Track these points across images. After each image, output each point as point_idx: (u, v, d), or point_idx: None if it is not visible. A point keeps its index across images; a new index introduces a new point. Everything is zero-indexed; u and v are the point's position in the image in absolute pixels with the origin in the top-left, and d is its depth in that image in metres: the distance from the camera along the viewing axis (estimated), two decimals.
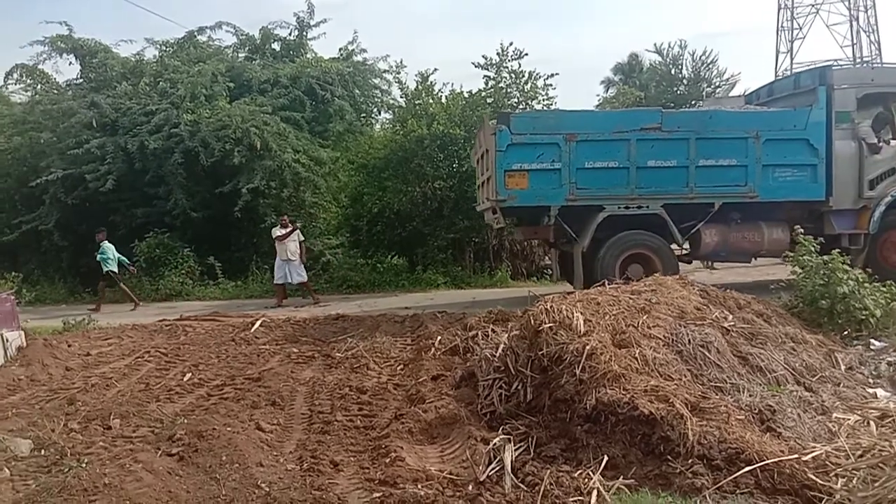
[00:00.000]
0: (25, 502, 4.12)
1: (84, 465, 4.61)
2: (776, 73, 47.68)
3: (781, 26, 50.43)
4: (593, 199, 10.56)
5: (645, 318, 5.59)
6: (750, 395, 5.03)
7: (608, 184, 10.52)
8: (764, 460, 4.01)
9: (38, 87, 20.19)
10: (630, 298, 5.97)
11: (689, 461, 4.13)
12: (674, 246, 11.20)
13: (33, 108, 19.11)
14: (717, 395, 4.96)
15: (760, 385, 5.31)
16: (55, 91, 20.07)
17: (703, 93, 35.09)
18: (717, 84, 36.37)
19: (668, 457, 4.21)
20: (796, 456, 4.11)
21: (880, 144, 10.93)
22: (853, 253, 10.37)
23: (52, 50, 19.25)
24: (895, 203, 10.95)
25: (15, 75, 19.87)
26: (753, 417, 4.76)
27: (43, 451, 5.09)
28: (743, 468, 3.99)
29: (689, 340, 5.45)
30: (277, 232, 14.28)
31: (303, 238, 14.64)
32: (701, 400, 4.70)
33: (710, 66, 36.98)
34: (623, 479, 4.10)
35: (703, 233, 10.84)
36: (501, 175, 10.32)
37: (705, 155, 10.49)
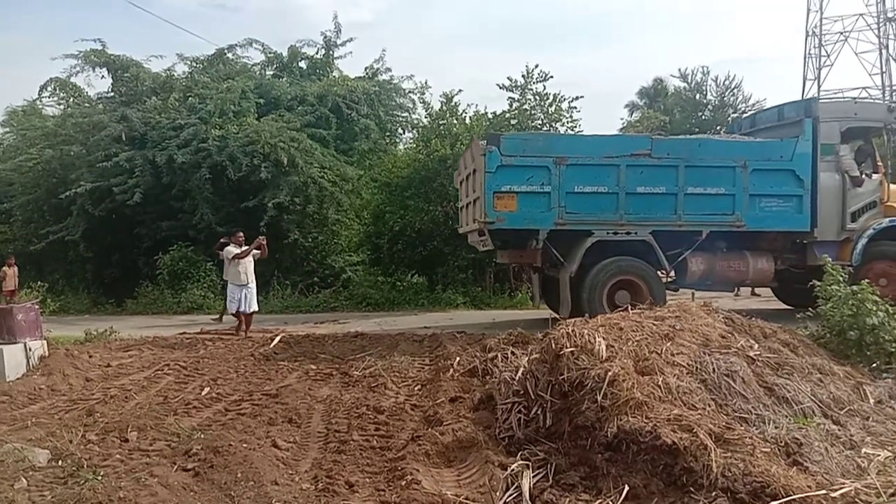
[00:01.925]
0: None
1: (100, 478, 4.61)
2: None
3: (809, 53, 50.04)
4: (582, 223, 10.47)
5: (668, 344, 5.48)
6: (776, 427, 4.89)
7: (597, 209, 10.44)
8: (790, 495, 3.88)
9: (71, 100, 20.63)
10: (654, 324, 5.86)
11: (713, 494, 4.01)
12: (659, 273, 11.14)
13: (65, 121, 19.52)
14: (741, 426, 4.82)
15: (787, 417, 5.16)
16: (86, 104, 20.48)
17: (729, 118, 34.94)
18: (743, 110, 36.22)
19: (691, 489, 4.09)
20: (824, 492, 3.97)
21: (862, 177, 11.11)
22: None
23: (85, 63, 19.69)
24: (876, 236, 11.09)
25: (49, 89, 20.35)
26: (779, 450, 4.61)
27: (60, 462, 5.09)
28: (768, 503, 3.87)
29: (714, 369, 5.32)
30: (234, 250, 12.13)
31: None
32: (725, 431, 4.57)
33: (735, 91, 36.87)
34: None
35: (689, 261, 10.81)
36: (490, 197, 10.19)
37: (693, 183, 10.47)
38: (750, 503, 3.94)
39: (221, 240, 13.34)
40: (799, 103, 12.00)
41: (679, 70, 38.96)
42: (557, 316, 11.78)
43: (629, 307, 6.55)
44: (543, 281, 12.25)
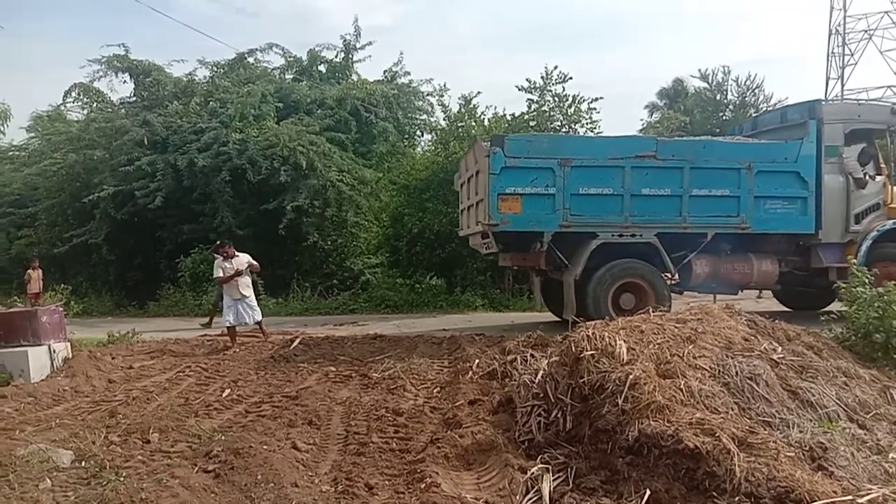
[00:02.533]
0: None
1: (122, 479, 4.65)
2: (826, 98, 46.61)
3: (832, 52, 49.36)
4: (587, 225, 10.35)
5: (690, 347, 5.42)
6: (800, 432, 4.82)
7: (602, 211, 10.33)
8: (815, 501, 3.82)
9: (94, 105, 20.90)
10: (675, 327, 5.80)
11: (736, 499, 3.96)
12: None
13: (88, 125, 19.80)
14: (765, 430, 4.76)
15: (811, 421, 5.09)
16: (109, 109, 20.75)
17: (750, 117, 34.62)
18: (765, 109, 35.84)
19: (714, 493, 4.05)
20: (850, 497, 3.90)
21: (866, 180, 11.10)
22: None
23: (108, 68, 19.94)
24: (879, 238, 11.07)
25: (73, 94, 20.64)
26: (804, 455, 4.54)
27: (83, 463, 5.15)
28: None
29: (737, 372, 5.26)
30: (221, 267, 11.14)
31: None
32: (748, 435, 4.51)
33: (756, 91, 36.50)
34: None
35: (693, 263, 10.72)
36: (494, 198, 10.07)
37: (698, 184, 10.39)
38: None
39: (211, 251, 12.82)
40: (803, 105, 11.92)
41: (699, 70, 38.67)
42: (558, 319, 11.73)
43: (647, 310, 6.47)
44: (545, 284, 12.14)
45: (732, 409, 4.93)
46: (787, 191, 10.70)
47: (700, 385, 4.96)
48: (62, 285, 16.41)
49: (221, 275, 11.09)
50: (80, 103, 21.25)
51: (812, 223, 10.83)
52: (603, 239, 10.34)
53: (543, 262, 10.92)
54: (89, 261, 19.32)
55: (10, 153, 24.07)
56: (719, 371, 5.29)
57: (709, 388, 5.00)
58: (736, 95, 36.90)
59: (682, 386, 4.87)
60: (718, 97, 37.29)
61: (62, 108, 22.19)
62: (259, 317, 11.40)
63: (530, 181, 10.14)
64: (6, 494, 4.51)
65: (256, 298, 17.02)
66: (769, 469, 4.10)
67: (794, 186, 10.72)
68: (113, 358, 9.66)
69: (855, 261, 10.61)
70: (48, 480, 4.72)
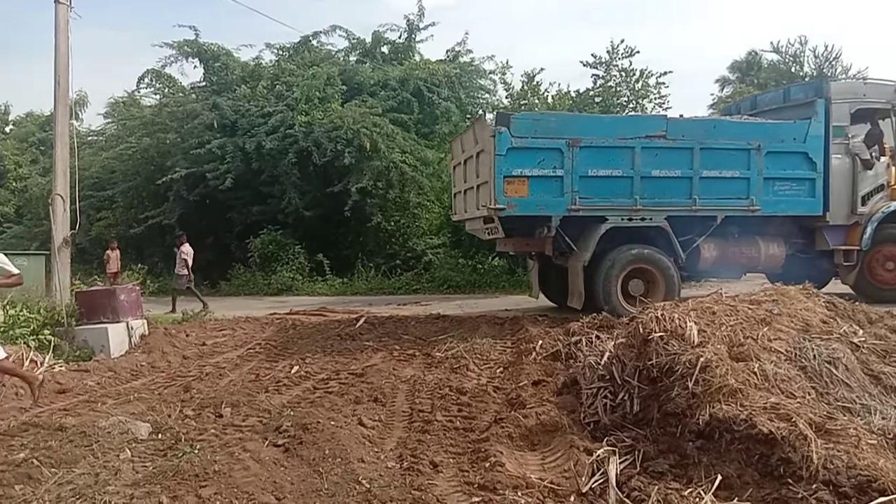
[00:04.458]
0: (143, 483, 4.35)
1: (196, 451, 4.82)
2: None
3: None
4: (596, 209, 9.88)
5: (765, 329, 5.23)
6: (883, 418, 4.60)
7: (611, 193, 9.87)
8: None
9: (166, 90, 21.57)
10: (749, 308, 5.60)
11: (813, 486, 3.80)
12: None
13: (161, 110, 20.47)
14: (845, 416, 4.56)
15: (895, 407, 4.85)
16: (180, 94, 21.38)
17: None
18: (844, 80, 34.06)
19: (789, 480, 3.89)
20: None
21: (872, 161, 10.76)
22: (846, 269, 10.51)
23: (179, 54, 20.53)
24: (885, 219, 10.73)
25: (146, 80, 21.36)
26: (887, 442, 4.33)
27: (160, 435, 5.36)
28: (876, 498, 3.63)
29: (815, 356, 5.05)
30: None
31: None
32: (827, 421, 4.33)
33: (834, 62, 34.68)
34: (738, 500, 3.84)
35: (701, 247, 10.30)
36: (501, 181, 9.49)
37: (709, 166, 9.94)
38: (855, 498, 3.71)
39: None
40: (808, 84, 11.66)
41: (771, 43, 36.95)
42: (556, 306, 11.37)
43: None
44: (542, 269, 11.68)
45: (809, 394, 4.74)
46: (796, 172, 10.32)
47: (775, 368, 4.78)
48: (139, 265, 17.10)
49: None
50: (152, 89, 22.01)
51: (820, 205, 10.48)
52: (612, 223, 9.90)
53: (549, 248, 10.44)
54: (164, 241, 20.04)
55: (89, 138, 25.11)
56: (796, 354, 5.09)
57: (784, 371, 4.81)
58: (813, 67, 35.13)
59: (755, 369, 4.71)
60: (794, 69, 35.58)
61: (136, 93, 23.00)
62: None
63: (538, 162, 9.62)
64: (91, 462, 4.74)
65: (322, 278, 17.50)
66: (849, 457, 3.92)
67: (803, 167, 10.34)
68: (187, 335, 10.03)
69: (860, 244, 10.61)
70: (128, 451, 4.93)
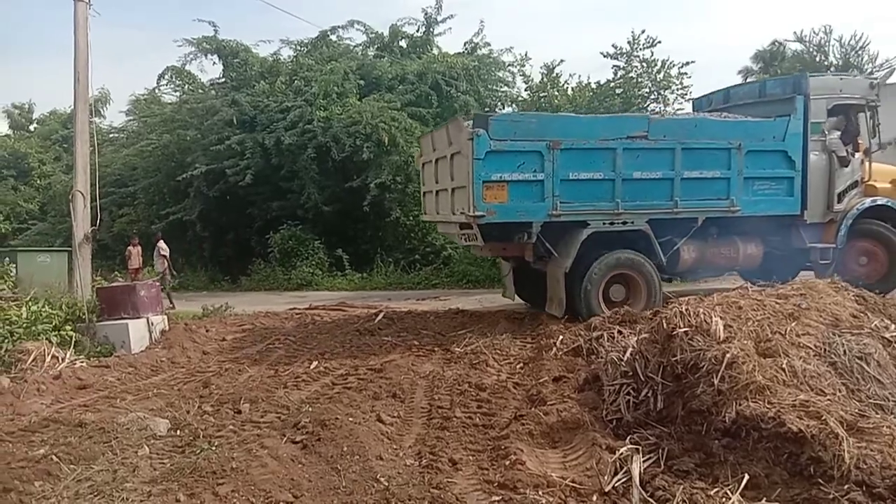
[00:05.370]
0: (161, 480, 4.34)
1: (214, 448, 4.80)
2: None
3: None
4: (577, 214, 9.45)
5: (794, 324, 5.09)
6: None
7: (593, 197, 9.44)
8: None
9: (186, 87, 21.67)
10: (776, 303, 5.47)
11: (845, 487, 3.69)
12: None
13: (181, 107, 20.57)
14: (877, 413, 4.43)
15: None
16: (200, 90, 21.47)
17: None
18: (870, 71, 33.34)
19: (820, 480, 3.78)
20: None
21: (849, 158, 10.57)
22: (823, 266, 10.23)
23: (198, 51, 20.59)
24: (859, 216, 10.62)
25: (166, 77, 21.48)
26: None
27: (178, 432, 5.36)
28: None
29: (845, 351, 4.91)
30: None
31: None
32: (859, 419, 4.20)
33: (860, 52, 33.93)
34: (766, 501, 3.74)
35: (682, 249, 10.01)
36: (479, 187, 8.92)
37: (690, 166, 9.61)
38: (889, 499, 3.59)
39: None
40: (785, 80, 11.31)
41: (794, 33, 36.24)
42: (533, 310, 11.08)
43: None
44: (517, 270, 11.18)
45: (840, 391, 4.61)
46: (776, 171, 10.06)
47: (804, 365, 4.65)
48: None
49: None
50: (172, 86, 22.10)
51: (798, 204, 10.25)
52: (594, 227, 9.51)
53: (529, 254, 9.98)
54: (185, 237, 20.17)
55: (111, 135, 25.32)
56: (825, 350, 4.96)
57: (814, 367, 4.68)
58: (838, 57, 34.36)
59: (784, 365, 4.59)
60: (818, 59, 34.84)
61: (157, 91, 23.13)
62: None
63: (517, 166, 9.14)
64: (109, 459, 4.75)
65: (341, 273, 17.51)
66: (883, 456, 3.80)
67: (782, 166, 10.07)
68: (207, 331, 10.06)
69: (835, 241, 10.43)
70: (146, 447, 4.93)
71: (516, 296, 11.46)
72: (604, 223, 9.52)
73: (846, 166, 10.56)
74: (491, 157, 8.96)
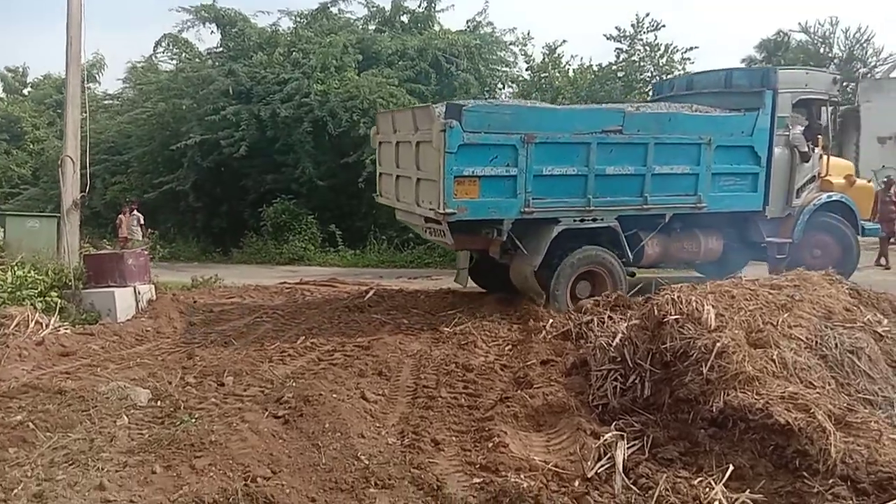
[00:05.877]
0: (138, 450, 4.27)
1: (194, 421, 4.74)
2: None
3: None
4: (549, 211, 9.10)
5: (785, 316, 5.03)
6: None
7: (565, 193, 9.13)
8: None
9: (182, 55, 21.36)
10: (769, 293, 5.40)
11: (830, 481, 3.66)
12: None
13: (177, 75, 20.27)
14: (866, 408, 4.40)
15: None
16: (197, 59, 21.16)
17: (858, 73, 32.06)
18: (874, 63, 33.16)
19: (805, 473, 3.75)
20: None
21: (810, 153, 10.52)
22: (778, 261, 10.16)
23: (196, 18, 20.25)
24: (816, 211, 10.65)
25: (163, 45, 21.15)
26: None
27: (159, 402, 5.30)
28: None
29: (836, 344, 4.86)
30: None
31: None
32: (847, 413, 4.17)
33: (865, 44, 33.72)
34: (749, 492, 3.70)
35: (647, 245, 9.90)
36: (450, 182, 8.36)
37: (661, 161, 9.43)
38: (874, 495, 3.56)
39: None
40: (753, 72, 11.23)
41: (799, 23, 35.91)
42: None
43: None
44: (473, 261, 10.59)
45: (829, 384, 4.57)
46: (741, 167, 9.94)
47: (795, 356, 4.61)
48: (150, 230, 17.07)
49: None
50: (169, 54, 21.77)
51: (761, 200, 10.17)
52: (565, 225, 9.21)
53: (496, 251, 9.60)
54: (178, 207, 19.97)
55: (105, 101, 24.99)
56: (817, 342, 4.91)
57: (804, 360, 4.64)
58: (843, 49, 34.11)
59: (774, 357, 4.54)
60: (823, 50, 34.59)
61: (153, 58, 22.79)
62: None
63: (489, 160, 8.66)
64: (87, 427, 4.68)
65: (334, 249, 17.42)
66: (870, 452, 3.77)
67: (748, 162, 9.96)
68: (195, 301, 9.96)
69: (791, 237, 10.40)
70: (125, 417, 4.87)
71: (470, 280, 10.81)
72: (574, 220, 9.24)
73: (807, 161, 10.51)
74: (463, 151, 8.43)
